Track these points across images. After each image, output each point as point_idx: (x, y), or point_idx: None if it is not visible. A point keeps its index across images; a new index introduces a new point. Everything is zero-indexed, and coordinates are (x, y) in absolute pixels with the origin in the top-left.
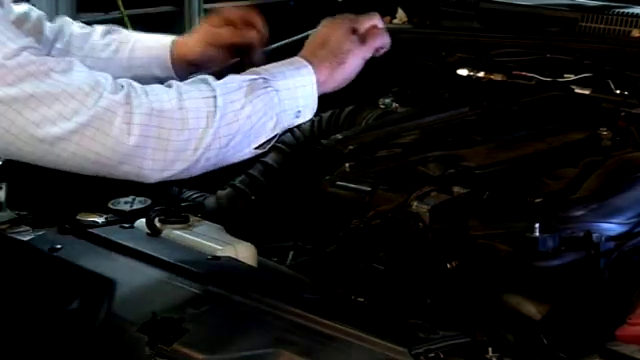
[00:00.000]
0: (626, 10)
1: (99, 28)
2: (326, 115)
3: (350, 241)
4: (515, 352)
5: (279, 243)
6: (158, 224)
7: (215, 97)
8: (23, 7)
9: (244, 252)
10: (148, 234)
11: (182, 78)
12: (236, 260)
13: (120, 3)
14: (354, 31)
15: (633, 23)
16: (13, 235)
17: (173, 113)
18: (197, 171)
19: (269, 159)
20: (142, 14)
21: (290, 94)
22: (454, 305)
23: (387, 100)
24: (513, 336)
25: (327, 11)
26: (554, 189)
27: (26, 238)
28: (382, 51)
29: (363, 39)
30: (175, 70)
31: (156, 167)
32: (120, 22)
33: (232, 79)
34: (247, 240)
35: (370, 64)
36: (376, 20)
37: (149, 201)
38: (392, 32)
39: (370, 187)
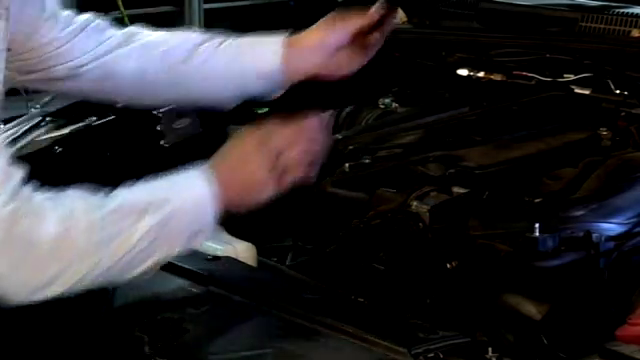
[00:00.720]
0: (626, 10)
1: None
2: (342, 114)
3: (350, 241)
4: (515, 352)
5: (279, 243)
6: None
7: (101, 226)
8: None
9: (244, 252)
10: None
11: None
12: (236, 260)
13: (120, 3)
14: (278, 157)
15: (633, 23)
16: None
17: (52, 243)
18: (73, 293)
19: None
20: (142, 14)
21: (185, 219)
22: (454, 305)
23: (387, 100)
24: (513, 336)
25: (327, 11)
26: (554, 189)
27: None
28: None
29: (283, 174)
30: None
31: (22, 292)
32: (120, 22)
33: (122, 203)
34: (247, 240)
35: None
36: (305, 145)
37: None
38: (392, 32)
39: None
